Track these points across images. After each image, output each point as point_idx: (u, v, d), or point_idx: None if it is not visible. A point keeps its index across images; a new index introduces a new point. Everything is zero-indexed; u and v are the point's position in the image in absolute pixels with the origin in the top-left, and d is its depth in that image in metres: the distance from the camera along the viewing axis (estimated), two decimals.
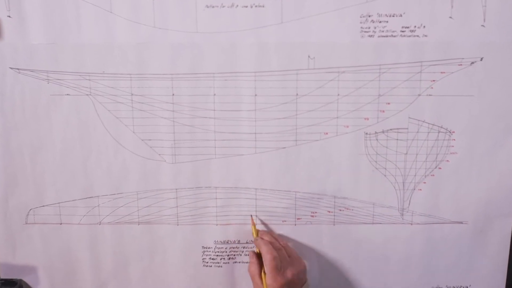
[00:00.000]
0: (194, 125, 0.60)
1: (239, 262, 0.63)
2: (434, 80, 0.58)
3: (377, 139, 0.59)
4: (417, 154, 0.60)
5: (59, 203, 0.61)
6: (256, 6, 0.56)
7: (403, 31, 0.56)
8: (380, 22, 0.56)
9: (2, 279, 0.62)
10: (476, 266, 0.62)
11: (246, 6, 0.56)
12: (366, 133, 0.59)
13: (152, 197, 0.61)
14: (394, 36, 0.57)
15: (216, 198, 0.61)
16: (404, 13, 0.56)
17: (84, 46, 0.57)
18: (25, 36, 0.57)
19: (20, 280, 0.62)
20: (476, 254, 0.62)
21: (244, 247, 0.63)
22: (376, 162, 0.60)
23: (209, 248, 0.63)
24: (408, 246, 0.62)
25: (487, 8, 0.56)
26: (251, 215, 0.61)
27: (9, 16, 0.56)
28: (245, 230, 0.62)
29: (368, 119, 0.59)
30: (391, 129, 0.59)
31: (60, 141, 0.60)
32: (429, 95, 0.58)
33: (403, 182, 0.60)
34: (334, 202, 0.61)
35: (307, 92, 0.58)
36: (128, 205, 0.61)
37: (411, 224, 0.61)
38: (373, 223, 0.62)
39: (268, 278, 0.53)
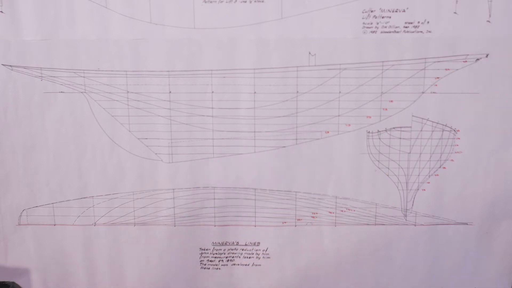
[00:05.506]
0: (192, 124, 0.58)
1: (238, 265, 0.62)
2: (438, 77, 0.57)
3: (379, 138, 0.58)
4: (420, 153, 0.59)
5: (52, 203, 0.60)
6: (255, 1, 0.55)
7: (406, 27, 0.55)
8: (383, 17, 0.55)
9: None
10: (481, 269, 0.61)
11: (245, 1, 0.55)
12: (369, 132, 0.58)
13: (149, 198, 0.60)
14: (397, 32, 0.55)
15: (214, 199, 0.60)
16: (407, 8, 0.55)
17: (79, 42, 0.56)
18: (18, 32, 0.56)
19: (13, 282, 0.61)
20: (482, 256, 0.61)
21: (243, 249, 0.62)
22: (378, 161, 0.59)
23: (207, 249, 0.62)
24: (411, 247, 0.61)
25: (492, 3, 0.55)
26: None
27: (1, 11, 0.55)
28: (243, 231, 0.61)
29: (370, 117, 0.58)
30: (394, 128, 0.58)
31: (53, 140, 0.59)
32: (433, 92, 0.57)
33: (407, 182, 0.59)
34: (336, 202, 0.60)
35: (308, 89, 0.57)
36: (124, 205, 0.60)
37: (415, 225, 0.60)
38: (375, 224, 0.60)
39: None
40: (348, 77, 0.57)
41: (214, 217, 0.61)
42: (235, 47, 0.56)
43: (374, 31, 0.55)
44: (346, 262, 0.61)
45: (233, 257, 0.62)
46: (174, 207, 0.60)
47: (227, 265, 0.62)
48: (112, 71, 0.57)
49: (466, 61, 0.56)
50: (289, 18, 0.55)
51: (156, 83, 0.57)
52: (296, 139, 0.59)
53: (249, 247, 0.62)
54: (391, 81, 0.57)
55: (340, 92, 0.57)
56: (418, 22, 0.55)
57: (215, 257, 0.62)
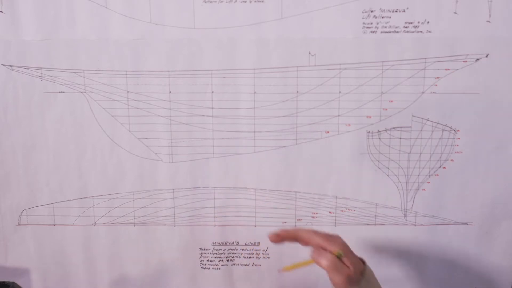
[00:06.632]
0: (192, 124, 0.58)
1: (238, 264, 0.62)
2: (438, 77, 0.56)
3: (379, 138, 0.58)
4: (420, 153, 0.58)
5: (53, 203, 0.60)
6: (255, 1, 0.55)
7: (406, 27, 0.55)
8: (383, 17, 0.55)
9: None
10: (481, 269, 0.61)
11: (245, 1, 0.55)
12: (369, 132, 0.58)
13: (149, 198, 0.60)
14: (397, 32, 0.55)
15: (214, 199, 0.60)
16: (407, 8, 0.55)
17: (79, 42, 0.56)
18: (18, 32, 0.56)
19: (13, 282, 0.60)
20: (482, 256, 0.61)
21: (243, 249, 0.61)
22: (378, 161, 0.59)
23: (207, 249, 0.62)
24: (411, 247, 0.61)
25: (492, 3, 0.54)
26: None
27: (1, 12, 0.55)
28: (243, 231, 0.61)
29: (370, 117, 0.58)
30: (394, 128, 0.58)
31: (53, 140, 0.59)
32: (433, 92, 0.57)
33: (407, 182, 0.59)
34: (336, 202, 0.60)
35: (308, 89, 0.57)
36: (124, 205, 0.60)
37: (415, 225, 0.60)
38: (375, 224, 0.60)
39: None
40: (348, 77, 0.57)
41: (214, 217, 0.61)
42: (235, 47, 0.56)
43: (374, 31, 0.55)
44: None
45: (233, 257, 0.62)
46: (174, 207, 0.60)
47: (227, 265, 0.62)
48: (112, 71, 0.57)
49: (466, 61, 0.56)
50: (289, 18, 0.55)
51: (156, 83, 0.57)
52: (296, 139, 0.58)
53: (249, 247, 0.61)
54: (391, 81, 0.57)
55: (340, 92, 0.57)
56: (418, 22, 0.55)
57: (215, 257, 0.62)
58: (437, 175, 0.59)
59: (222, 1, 0.55)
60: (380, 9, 0.55)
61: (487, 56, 0.56)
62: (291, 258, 0.61)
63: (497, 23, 0.55)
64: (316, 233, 0.50)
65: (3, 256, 0.61)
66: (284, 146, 0.59)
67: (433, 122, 0.58)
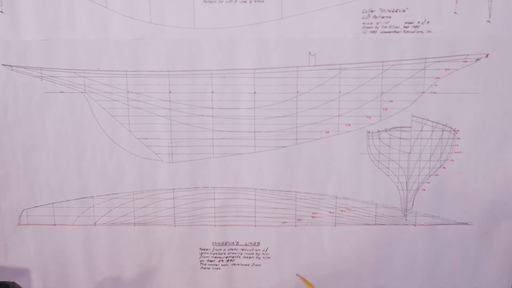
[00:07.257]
0: (192, 124, 0.58)
1: (238, 264, 0.62)
2: (438, 77, 0.57)
3: (379, 138, 0.58)
4: (420, 153, 0.59)
5: (53, 203, 0.60)
6: (255, 1, 0.55)
7: (406, 27, 0.55)
8: (383, 17, 0.55)
9: None
10: (481, 269, 0.61)
11: (245, 1, 0.55)
12: (369, 132, 0.58)
13: (149, 198, 0.60)
14: (397, 32, 0.55)
15: (214, 199, 0.60)
16: (407, 8, 0.55)
17: (79, 42, 0.56)
18: (18, 32, 0.56)
19: (13, 282, 0.60)
20: (482, 256, 0.61)
21: (243, 249, 0.61)
22: (378, 161, 0.59)
23: (207, 249, 0.62)
24: (411, 247, 0.61)
25: (492, 3, 0.54)
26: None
27: (1, 12, 0.55)
28: (243, 231, 0.61)
29: (370, 117, 0.58)
30: (394, 128, 0.58)
31: (53, 140, 0.59)
32: (433, 92, 0.57)
33: (407, 182, 0.59)
34: (336, 202, 0.60)
35: (308, 89, 0.57)
36: (124, 205, 0.60)
37: (415, 225, 0.60)
38: (375, 224, 0.60)
39: None
40: (348, 77, 0.57)
41: (214, 217, 0.61)
42: (235, 47, 0.56)
43: (374, 31, 0.55)
44: (346, 262, 0.61)
45: (233, 257, 0.62)
46: (174, 207, 0.60)
47: (227, 265, 0.62)
48: (112, 71, 0.57)
49: (466, 61, 0.56)
50: (289, 18, 0.55)
51: (156, 83, 0.57)
52: (296, 139, 0.58)
53: (249, 247, 0.62)
54: (391, 81, 0.57)
55: (340, 92, 0.57)
56: (418, 22, 0.55)
57: (215, 257, 0.62)
58: (437, 175, 0.59)
59: (222, 1, 0.55)
60: (380, 9, 0.55)
61: (487, 56, 0.56)
62: (291, 258, 0.61)
63: (497, 23, 0.55)
64: None
65: (3, 256, 0.61)
66: (284, 146, 0.59)
67: (433, 122, 0.58)
